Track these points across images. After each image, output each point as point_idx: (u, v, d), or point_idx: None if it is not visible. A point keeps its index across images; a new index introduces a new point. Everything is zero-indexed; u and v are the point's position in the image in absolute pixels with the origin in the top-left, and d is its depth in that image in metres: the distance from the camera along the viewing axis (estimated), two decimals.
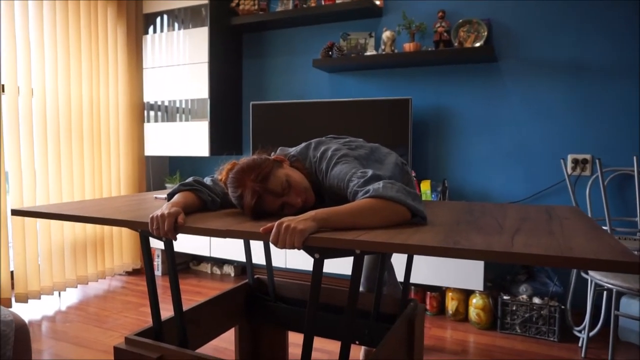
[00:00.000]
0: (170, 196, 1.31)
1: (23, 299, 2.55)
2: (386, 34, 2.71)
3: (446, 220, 1.18)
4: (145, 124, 3.27)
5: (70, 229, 2.81)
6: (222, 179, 1.32)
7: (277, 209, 1.22)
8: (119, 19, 3.07)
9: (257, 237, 1.03)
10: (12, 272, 2.57)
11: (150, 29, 3.24)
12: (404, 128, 2.64)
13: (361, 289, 1.90)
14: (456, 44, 2.57)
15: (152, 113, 3.31)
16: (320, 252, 1.00)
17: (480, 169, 2.70)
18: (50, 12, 2.66)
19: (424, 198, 2.58)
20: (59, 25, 2.70)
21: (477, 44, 2.53)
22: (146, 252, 1.30)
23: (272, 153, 1.43)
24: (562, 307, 2.27)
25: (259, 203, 1.19)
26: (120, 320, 2.42)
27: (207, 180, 1.39)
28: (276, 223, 0.99)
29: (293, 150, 1.41)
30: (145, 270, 1.30)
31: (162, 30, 3.20)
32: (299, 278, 3.01)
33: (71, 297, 2.79)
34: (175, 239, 1.15)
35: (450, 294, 2.51)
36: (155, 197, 1.66)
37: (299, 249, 0.97)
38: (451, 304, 2.50)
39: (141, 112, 3.25)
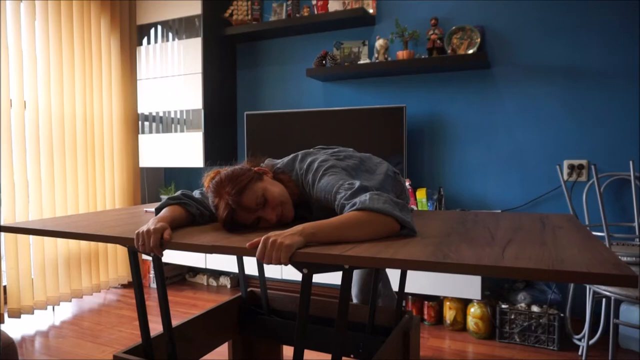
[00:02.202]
0: (158, 210, 1.29)
1: (16, 314, 2.52)
2: (379, 42, 2.70)
3: (437, 231, 1.16)
4: (140, 135, 3.26)
5: (63, 243, 2.79)
6: (206, 187, 1.32)
7: (252, 223, 1.22)
8: (113, 31, 3.07)
9: (243, 252, 1.01)
10: (4, 287, 2.54)
11: (145, 40, 3.24)
12: (399, 136, 2.62)
13: (356, 300, 1.87)
14: (449, 51, 2.56)
15: (146, 124, 3.29)
16: (308, 268, 0.98)
17: (476, 176, 2.68)
18: (43, 23, 2.65)
19: (419, 207, 2.56)
20: (52, 37, 2.70)
21: (470, 51, 2.52)
22: (134, 268, 1.28)
23: (261, 164, 1.42)
24: (561, 315, 2.24)
25: (232, 216, 1.20)
26: (115, 335, 2.39)
27: (196, 193, 1.38)
28: (262, 238, 0.97)
29: (280, 162, 1.39)
30: (133, 286, 1.27)
31: (155, 42, 3.20)
32: (295, 289, 2.98)
33: (65, 311, 2.76)
34: (161, 255, 1.13)
35: (447, 303, 2.48)
36: (145, 211, 1.64)
37: (285, 264, 0.95)
38: (449, 314, 2.47)
39: (135, 123, 3.24)
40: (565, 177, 2.44)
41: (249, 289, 1.81)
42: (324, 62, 2.85)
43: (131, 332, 2.43)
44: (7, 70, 2.47)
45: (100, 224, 1.35)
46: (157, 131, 3.28)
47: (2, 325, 2.44)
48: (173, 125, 3.22)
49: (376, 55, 2.73)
